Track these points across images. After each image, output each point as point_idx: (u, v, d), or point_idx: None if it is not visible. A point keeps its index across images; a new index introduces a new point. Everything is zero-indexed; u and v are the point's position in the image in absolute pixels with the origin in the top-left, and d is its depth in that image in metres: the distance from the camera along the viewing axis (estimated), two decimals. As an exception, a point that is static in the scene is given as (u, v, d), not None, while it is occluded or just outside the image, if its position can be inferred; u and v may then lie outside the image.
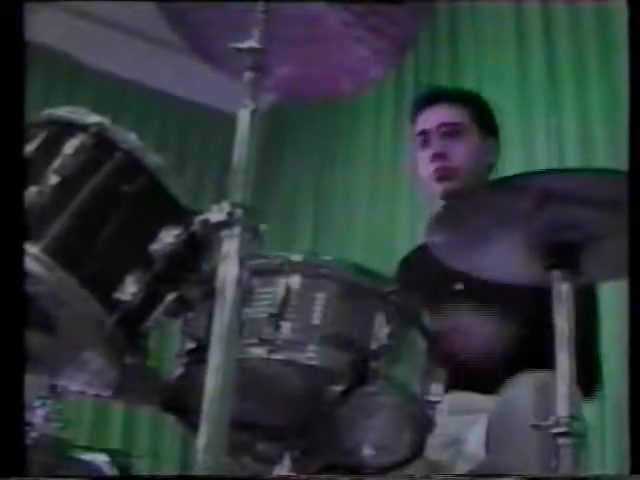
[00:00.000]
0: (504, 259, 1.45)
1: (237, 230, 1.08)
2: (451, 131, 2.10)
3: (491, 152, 2.15)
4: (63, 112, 1.22)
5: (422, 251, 2.10)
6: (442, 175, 2.07)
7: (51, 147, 1.18)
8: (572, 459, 1.26)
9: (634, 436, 1.16)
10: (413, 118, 2.18)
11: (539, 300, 1.50)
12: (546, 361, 1.38)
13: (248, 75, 1.20)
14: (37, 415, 1.81)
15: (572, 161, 2.92)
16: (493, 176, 2.15)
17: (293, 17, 1.33)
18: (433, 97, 2.18)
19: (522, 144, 3.11)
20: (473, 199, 1.41)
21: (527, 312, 1.84)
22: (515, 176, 1.36)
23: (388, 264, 2.29)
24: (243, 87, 1.19)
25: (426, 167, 2.11)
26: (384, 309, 1.28)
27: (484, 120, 2.16)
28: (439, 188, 2.07)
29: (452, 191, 2.03)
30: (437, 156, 2.08)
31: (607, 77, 2.91)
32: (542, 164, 2.99)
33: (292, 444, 1.35)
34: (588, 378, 1.79)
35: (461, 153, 2.09)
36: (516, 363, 1.78)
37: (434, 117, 2.12)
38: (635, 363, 1.17)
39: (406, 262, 2.24)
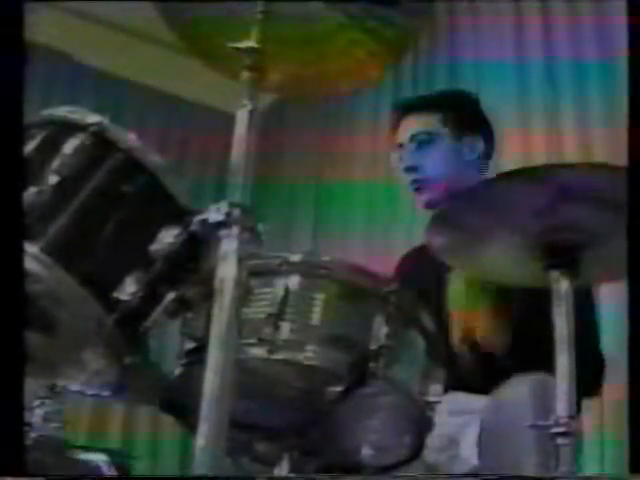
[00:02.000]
0: (504, 259, 1.45)
1: (236, 230, 1.08)
2: (421, 141, 2.10)
3: (472, 149, 2.13)
4: (62, 112, 1.22)
5: (421, 250, 2.10)
6: (418, 187, 2.08)
7: (50, 147, 1.18)
8: (571, 459, 1.26)
9: (634, 436, 1.16)
10: (392, 133, 2.19)
11: (538, 300, 1.49)
12: (545, 362, 1.38)
13: (247, 75, 1.20)
14: (36, 415, 1.81)
15: (571, 159, 2.92)
16: (489, 173, 2.15)
17: (291, 17, 1.33)
18: (403, 109, 2.19)
19: (522, 144, 3.11)
20: (474, 198, 1.40)
21: (526, 312, 1.84)
22: (514, 171, 1.36)
23: (388, 264, 2.29)
24: (242, 87, 1.19)
25: (404, 179, 2.13)
26: (383, 309, 1.28)
27: (458, 119, 2.13)
28: (419, 199, 2.09)
29: (430, 201, 2.05)
30: (409, 169, 2.10)
31: (607, 76, 2.91)
32: (540, 162, 2.98)
33: (291, 444, 1.35)
34: (590, 377, 1.79)
35: (434, 162, 2.09)
36: (515, 363, 1.78)
37: (405, 130, 2.13)
38: (635, 363, 1.17)
39: (405, 261, 2.24)
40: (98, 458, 1.91)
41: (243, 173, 1.13)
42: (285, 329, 1.23)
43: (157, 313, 1.16)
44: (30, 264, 1.08)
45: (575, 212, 1.30)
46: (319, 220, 4.23)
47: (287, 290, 1.25)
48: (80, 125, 1.19)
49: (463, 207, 1.39)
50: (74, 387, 1.32)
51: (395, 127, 2.17)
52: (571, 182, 1.28)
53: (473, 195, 1.39)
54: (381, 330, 1.26)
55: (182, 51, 1.44)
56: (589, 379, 1.73)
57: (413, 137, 2.10)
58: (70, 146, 1.17)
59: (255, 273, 1.21)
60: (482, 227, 1.39)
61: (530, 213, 1.33)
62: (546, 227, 1.34)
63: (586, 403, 1.67)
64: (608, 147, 2.82)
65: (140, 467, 2.46)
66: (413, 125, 2.12)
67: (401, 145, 2.14)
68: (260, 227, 1.11)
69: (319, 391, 1.28)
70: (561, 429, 1.27)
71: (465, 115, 2.16)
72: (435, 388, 1.34)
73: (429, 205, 2.06)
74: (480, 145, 2.14)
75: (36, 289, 1.09)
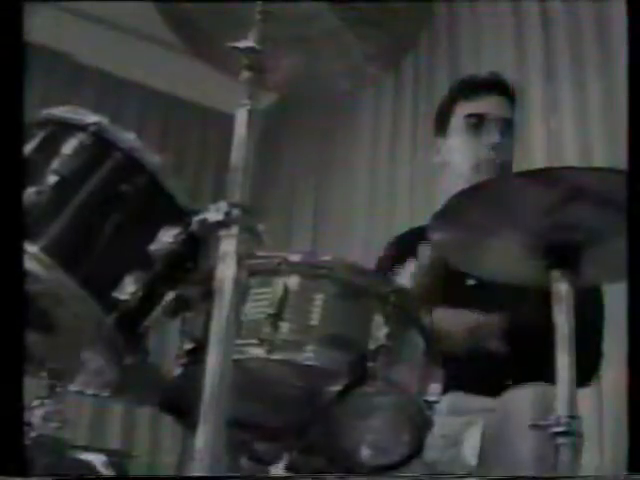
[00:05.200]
0: (505, 257, 1.45)
1: (235, 230, 1.08)
2: (508, 127, 2.03)
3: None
4: (62, 112, 1.23)
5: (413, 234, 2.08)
6: (494, 169, 1.97)
7: (50, 147, 1.18)
8: (570, 458, 1.26)
9: (633, 435, 1.16)
10: (463, 97, 2.07)
11: (539, 300, 1.49)
12: (547, 363, 1.37)
13: (246, 75, 1.20)
14: (36, 415, 1.81)
15: (571, 160, 2.92)
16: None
17: (292, 16, 1.33)
18: (497, 85, 2.08)
19: (521, 143, 3.10)
20: (477, 195, 1.40)
21: (527, 312, 1.84)
22: (516, 174, 1.36)
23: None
24: (241, 87, 1.19)
25: (476, 153, 2.01)
26: (382, 309, 1.27)
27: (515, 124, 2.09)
28: (477, 179, 1.87)
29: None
30: (497, 147, 1.99)
31: (606, 76, 2.91)
32: (540, 163, 2.99)
33: (290, 444, 1.35)
34: (588, 368, 1.79)
35: (511, 150, 2.03)
36: (517, 365, 1.78)
37: (495, 105, 2.04)
38: (634, 362, 1.18)
39: (396, 243, 2.21)
40: (98, 458, 1.91)
41: (243, 173, 1.13)
42: (284, 329, 1.23)
43: (156, 313, 1.16)
44: (30, 264, 1.08)
45: (577, 212, 1.30)
46: (319, 220, 4.23)
47: (286, 290, 1.25)
48: (79, 125, 1.19)
49: (466, 204, 1.39)
50: (74, 387, 1.32)
51: (475, 95, 2.05)
52: (573, 183, 1.28)
53: (476, 193, 1.38)
54: (380, 330, 1.26)
55: (182, 51, 1.44)
56: (585, 373, 1.73)
57: (503, 119, 2.02)
58: (69, 146, 1.17)
59: (254, 272, 1.21)
60: (484, 225, 1.38)
61: (532, 212, 1.33)
62: (548, 226, 1.34)
63: (586, 403, 1.68)
64: (608, 147, 2.82)
65: (140, 467, 2.46)
66: (502, 106, 2.04)
67: (481, 116, 2.02)
68: (259, 227, 1.11)
69: (318, 391, 1.28)
70: (561, 428, 1.27)
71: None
72: (434, 388, 1.34)
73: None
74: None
75: (36, 289, 1.09)
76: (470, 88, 2.08)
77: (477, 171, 1.97)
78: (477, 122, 2.02)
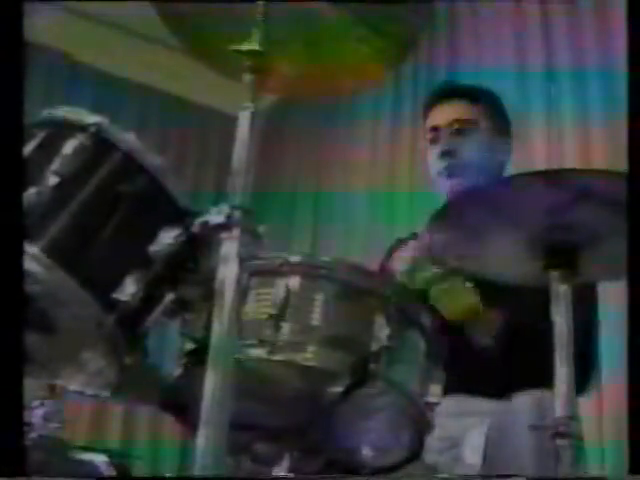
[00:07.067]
0: (503, 258, 1.45)
1: (236, 232, 1.08)
2: (463, 128, 2.06)
3: (503, 150, 2.12)
4: (62, 112, 1.22)
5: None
6: (451, 172, 2.03)
7: (50, 147, 1.18)
8: (570, 459, 1.26)
9: (632, 436, 1.16)
10: (425, 113, 2.15)
11: (536, 300, 1.49)
12: (546, 366, 1.37)
13: (248, 77, 1.20)
14: (36, 415, 1.81)
15: (571, 160, 2.92)
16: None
17: (293, 17, 1.33)
18: (446, 93, 2.14)
19: (521, 143, 3.11)
20: (474, 197, 1.40)
21: (524, 312, 1.84)
22: (516, 175, 1.36)
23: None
24: (243, 89, 1.19)
25: (435, 164, 2.08)
26: (384, 310, 1.28)
27: (497, 117, 2.12)
28: (447, 185, 2.04)
29: (460, 188, 2.00)
30: (446, 153, 2.05)
31: (606, 77, 2.91)
32: (541, 163, 2.99)
33: (291, 445, 1.35)
34: (583, 376, 1.79)
35: (471, 150, 2.05)
36: (517, 367, 1.78)
37: (446, 113, 2.09)
38: (634, 363, 1.18)
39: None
40: (98, 458, 1.91)
41: (244, 175, 1.13)
42: (286, 330, 1.23)
43: (156, 314, 1.16)
44: (30, 265, 1.08)
45: (576, 212, 1.31)
46: (319, 221, 4.23)
47: (288, 291, 1.25)
48: (80, 125, 1.18)
49: (465, 205, 1.39)
50: (74, 387, 1.32)
51: (430, 109, 2.13)
52: (574, 185, 1.28)
53: (475, 194, 1.39)
54: (381, 331, 1.26)
55: (182, 51, 1.44)
56: (578, 379, 1.73)
57: (454, 122, 2.06)
58: (70, 147, 1.16)
59: (256, 273, 1.22)
60: (483, 226, 1.39)
61: (531, 213, 1.33)
62: (546, 227, 1.34)
63: (585, 404, 1.67)
64: (608, 147, 2.82)
65: (140, 467, 2.46)
66: (455, 110, 2.08)
67: (436, 128, 2.09)
68: (260, 229, 1.11)
69: (319, 392, 1.28)
70: (560, 430, 1.27)
71: (502, 115, 2.14)
72: (435, 389, 1.34)
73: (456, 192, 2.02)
74: (511, 150, 2.13)
75: (36, 289, 1.09)
76: (428, 101, 2.16)
77: (438, 178, 2.07)
78: (433, 133, 2.10)
